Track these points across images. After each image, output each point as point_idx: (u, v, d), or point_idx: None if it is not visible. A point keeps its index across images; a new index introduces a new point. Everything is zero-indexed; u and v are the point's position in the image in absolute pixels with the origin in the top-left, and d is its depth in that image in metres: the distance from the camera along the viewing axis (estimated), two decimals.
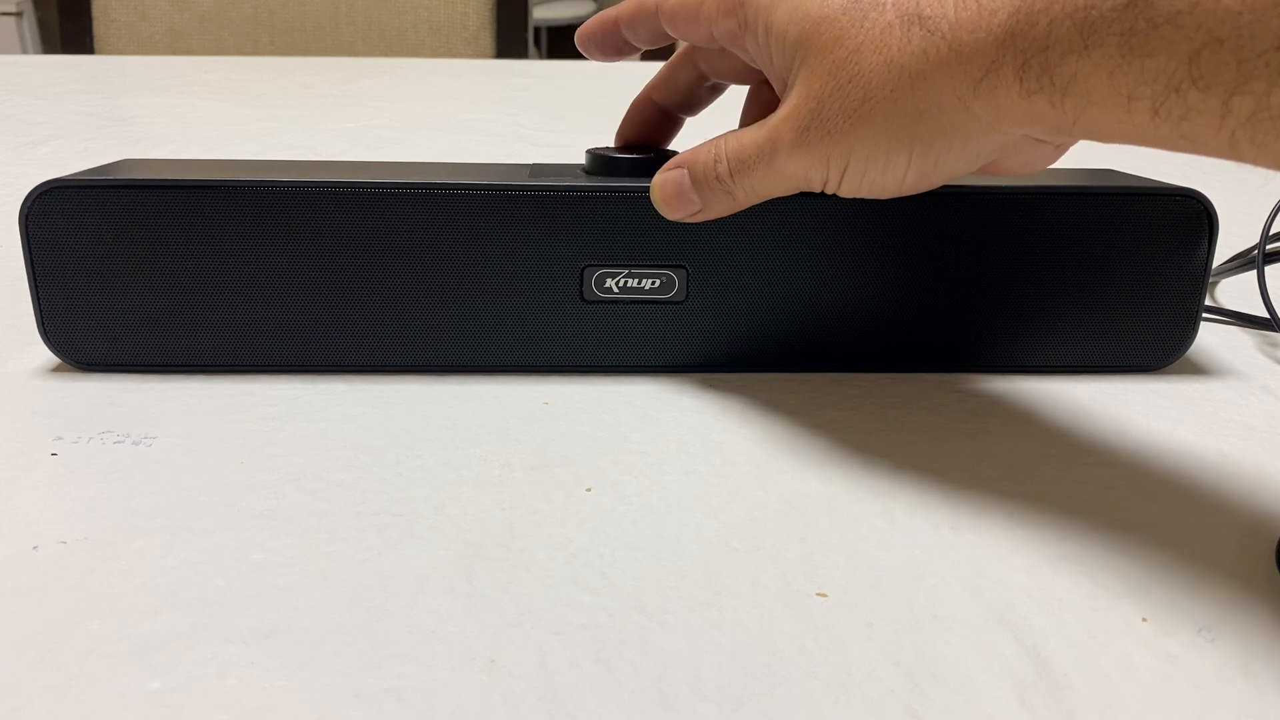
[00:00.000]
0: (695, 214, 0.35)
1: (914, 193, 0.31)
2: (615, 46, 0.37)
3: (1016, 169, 0.32)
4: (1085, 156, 0.71)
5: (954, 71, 0.27)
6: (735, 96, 0.40)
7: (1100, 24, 0.24)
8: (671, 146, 0.41)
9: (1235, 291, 0.51)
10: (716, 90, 0.40)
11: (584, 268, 0.37)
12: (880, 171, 0.30)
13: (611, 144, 0.41)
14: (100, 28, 1.29)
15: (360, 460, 0.33)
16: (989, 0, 0.27)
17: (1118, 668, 0.24)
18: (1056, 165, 0.42)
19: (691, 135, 0.40)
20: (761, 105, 0.38)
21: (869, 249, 0.38)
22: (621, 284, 0.38)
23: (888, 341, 0.39)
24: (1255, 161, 0.23)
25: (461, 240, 0.37)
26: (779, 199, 0.34)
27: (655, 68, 0.40)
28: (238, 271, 0.37)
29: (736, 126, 0.37)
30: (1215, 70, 0.22)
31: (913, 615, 0.26)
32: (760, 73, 0.36)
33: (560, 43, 2.70)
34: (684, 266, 0.38)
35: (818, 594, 0.27)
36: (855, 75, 0.29)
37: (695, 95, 0.39)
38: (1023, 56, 0.26)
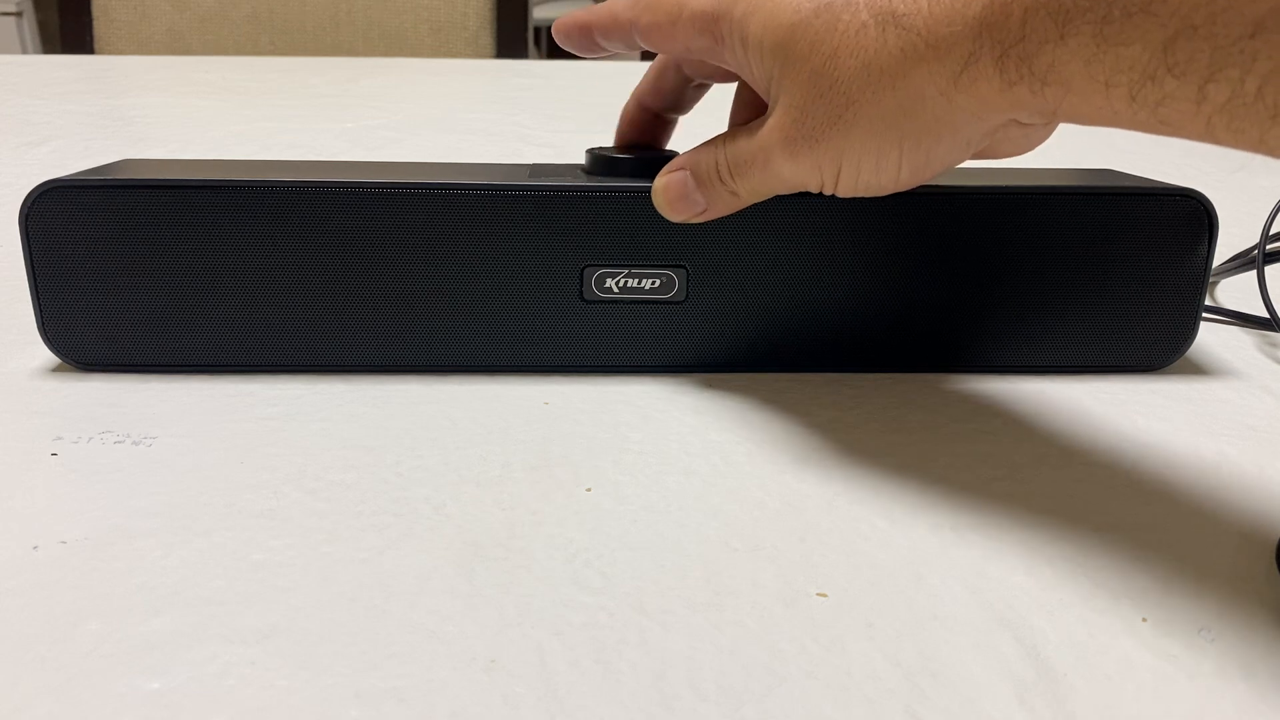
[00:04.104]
0: (699, 214, 0.35)
1: (911, 186, 0.31)
2: (589, 48, 0.37)
3: (1011, 151, 0.32)
4: (1085, 156, 0.71)
5: (933, 67, 0.27)
6: (727, 93, 0.40)
7: (1075, 13, 0.24)
8: (670, 146, 0.41)
9: (1235, 291, 0.51)
10: (703, 88, 0.40)
11: (584, 268, 0.37)
12: (873, 172, 0.30)
13: (612, 145, 0.41)
14: (100, 28, 1.29)
15: (360, 460, 0.33)
16: None
17: (1118, 668, 0.24)
18: (1056, 165, 0.42)
19: (690, 135, 0.40)
20: (750, 103, 0.38)
21: (869, 249, 0.38)
22: (621, 284, 0.38)
23: (888, 341, 0.39)
24: (1233, 145, 0.23)
25: (461, 240, 0.37)
26: (780, 198, 0.34)
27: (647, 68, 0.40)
28: (238, 271, 0.37)
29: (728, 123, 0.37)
30: (1189, 58, 0.22)
31: (913, 615, 0.26)
32: None
33: None
34: (684, 266, 0.38)
35: (818, 594, 0.27)
36: (835, 82, 0.29)
37: (682, 96, 0.39)
38: (1000, 48, 0.26)
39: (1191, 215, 0.38)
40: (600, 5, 0.35)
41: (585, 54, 0.37)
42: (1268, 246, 0.44)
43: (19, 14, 2.36)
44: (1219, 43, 0.22)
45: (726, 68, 0.34)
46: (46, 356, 0.39)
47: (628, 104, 0.40)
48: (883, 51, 0.28)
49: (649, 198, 0.36)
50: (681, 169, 0.35)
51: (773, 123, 0.31)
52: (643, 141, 0.41)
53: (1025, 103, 0.27)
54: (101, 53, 1.30)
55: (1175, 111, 0.23)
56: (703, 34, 0.32)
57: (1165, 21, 0.22)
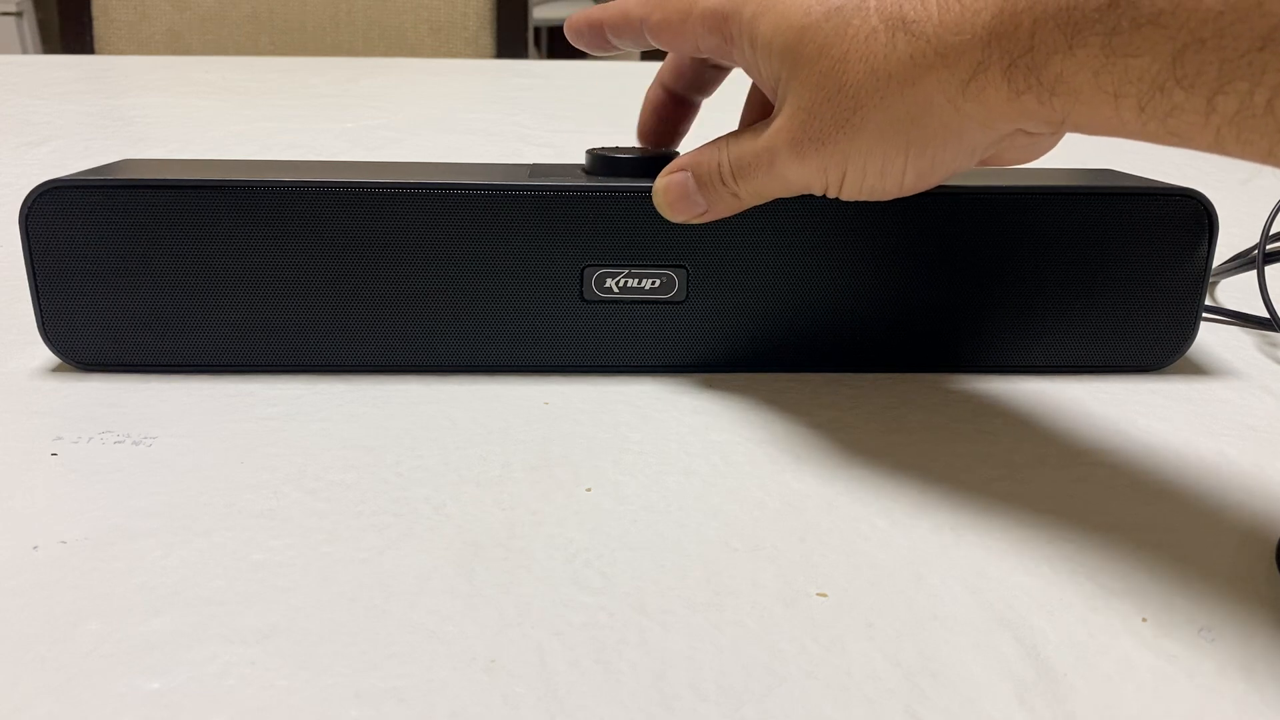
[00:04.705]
0: (700, 215, 0.35)
1: (915, 192, 0.31)
2: (600, 45, 0.37)
3: (1017, 159, 0.32)
4: (1085, 156, 0.71)
5: (941, 75, 0.27)
6: (742, 90, 0.40)
7: (1083, 24, 0.24)
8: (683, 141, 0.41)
9: (1235, 291, 0.51)
10: (723, 69, 0.40)
11: (584, 268, 0.37)
12: (878, 177, 0.30)
13: (613, 143, 0.41)
14: (100, 28, 1.29)
15: (360, 460, 0.33)
16: (972, 0, 0.27)
17: (1118, 668, 0.24)
18: (1057, 165, 0.42)
19: (698, 135, 0.40)
20: (761, 105, 0.38)
21: (869, 249, 0.38)
22: (621, 284, 0.38)
23: (887, 341, 0.39)
24: (1241, 157, 0.23)
25: (462, 240, 0.37)
26: (780, 199, 0.34)
27: (655, 68, 0.40)
28: (238, 271, 0.37)
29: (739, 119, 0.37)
30: (1198, 70, 0.22)
31: (913, 615, 0.26)
32: None
33: (560, 43, 2.69)
34: (684, 266, 0.38)
35: (818, 594, 0.27)
36: (843, 85, 0.29)
37: (703, 78, 0.39)
38: (1009, 57, 0.26)
39: (1192, 215, 0.38)
40: (612, 3, 0.36)
41: (596, 51, 0.37)
42: (1268, 246, 0.44)
43: (19, 14, 2.36)
44: (1227, 55, 0.22)
45: (736, 67, 0.34)
46: (46, 356, 0.39)
47: (651, 86, 0.40)
48: (892, 57, 0.28)
49: (649, 198, 0.36)
50: (683, 170, 0.35)
51: (779, 124, 0.31)
52: (663, 126, 0.41)
53: (1033, 112, 0.27)
54: (101, 53, 1.30)
55: (1184, 123, 0.23)
56: (712, 33, 0.32)
57: (1174, 34, 0.22)
